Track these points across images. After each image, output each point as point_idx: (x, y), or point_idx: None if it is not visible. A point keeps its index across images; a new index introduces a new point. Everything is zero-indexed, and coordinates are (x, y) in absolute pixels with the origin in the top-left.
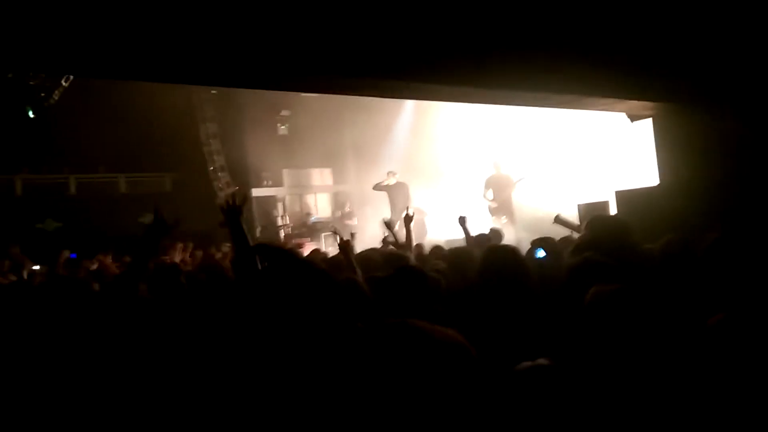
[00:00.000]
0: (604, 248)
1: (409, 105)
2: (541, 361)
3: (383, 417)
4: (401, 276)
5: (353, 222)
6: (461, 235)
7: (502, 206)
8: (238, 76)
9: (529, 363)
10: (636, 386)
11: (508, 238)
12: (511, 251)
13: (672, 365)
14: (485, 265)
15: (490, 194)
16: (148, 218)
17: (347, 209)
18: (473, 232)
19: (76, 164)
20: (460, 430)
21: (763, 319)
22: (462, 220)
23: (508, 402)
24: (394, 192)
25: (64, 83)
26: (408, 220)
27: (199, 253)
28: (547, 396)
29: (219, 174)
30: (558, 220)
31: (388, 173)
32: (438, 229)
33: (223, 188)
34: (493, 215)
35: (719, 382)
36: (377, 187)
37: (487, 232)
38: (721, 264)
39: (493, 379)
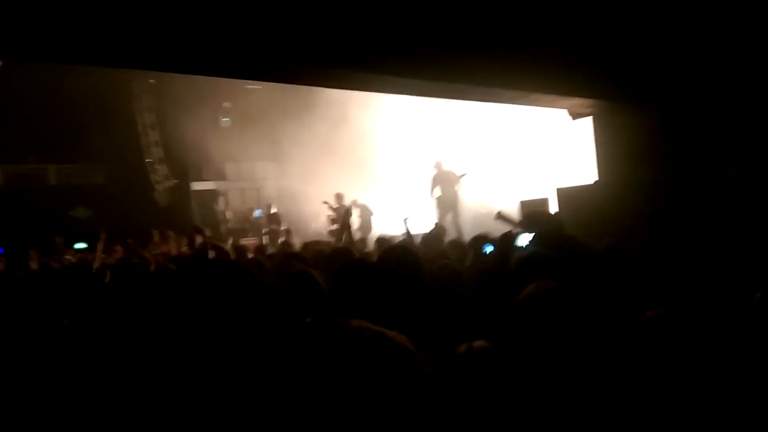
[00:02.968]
0: (546, 243)
1: (355, 99)
2: (479, 343)
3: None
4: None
5: (281, 227)
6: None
7: (449, 202)
8: (182, 60)
9: (465, 346)
10: (565, 378)
11: (453, 233)
12: (403, 248)
13: (603, 359)
14: (381, 261)
15: (437, 191)
16: (78, 212)
17: (273, 210)
18: (420, 230)
19: (3, 154)
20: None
21: (695, 314)
22: (405, 221)
23: (451, 386)
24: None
25: None
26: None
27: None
28: (491, 376)
29: (156, 166)
30: (500, 216)
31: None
32: (383, 227)
33: (161, 181)
34: (439, 211)
35: (653, 378)
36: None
37: (431, 228)
38: (648, 262)
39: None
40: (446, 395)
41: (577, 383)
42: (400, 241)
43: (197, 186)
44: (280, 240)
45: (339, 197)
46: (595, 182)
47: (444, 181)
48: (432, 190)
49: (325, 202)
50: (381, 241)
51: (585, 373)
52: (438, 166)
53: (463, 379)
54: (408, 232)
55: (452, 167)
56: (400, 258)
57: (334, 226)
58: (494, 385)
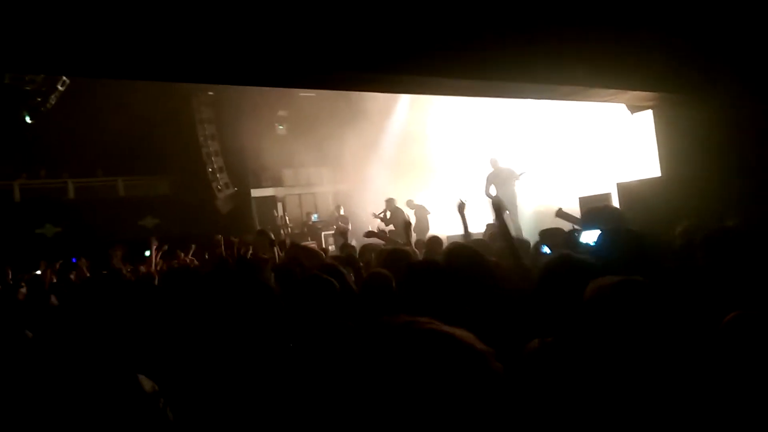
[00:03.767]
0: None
1: (405, 102)
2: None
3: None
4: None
5: (348, 226)
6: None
7: (505, 200)
8: (237, 73)
9: (537, 341)
10: (638, 383)
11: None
12: (470, 248)
13: (679, 362)
14: (448, 260)
15: (492, 190)
16: (147, 221)
17: (342, 212)
18: (475, 226)
19: (74, 168)
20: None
21: None
22: (461, 207)
23: (519, 387)
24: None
25: (60, 87)
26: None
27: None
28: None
29: (218, 175)
30: (560, 213)
31: (386, 201)
32: (440, 227)
33: (222, 189)
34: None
35: (731, 383)
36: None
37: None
38: (732, 256)
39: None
40: (517, 392)
41: (651, 381)
42: (467, 242)
43: (256, 193)
44: (342, 242)
45: (389, 202)
46: (658, 177)
47: (500, 178)
48: (488, 188)
49: (375, 215)
50: (433, 240)
51: (659, 371)
52: (494, 163)
53: (536, 373)
54: (465, 222)
55: (509, 165)
56: (468, 259)
57: (389, 227)
58: (564, 379)
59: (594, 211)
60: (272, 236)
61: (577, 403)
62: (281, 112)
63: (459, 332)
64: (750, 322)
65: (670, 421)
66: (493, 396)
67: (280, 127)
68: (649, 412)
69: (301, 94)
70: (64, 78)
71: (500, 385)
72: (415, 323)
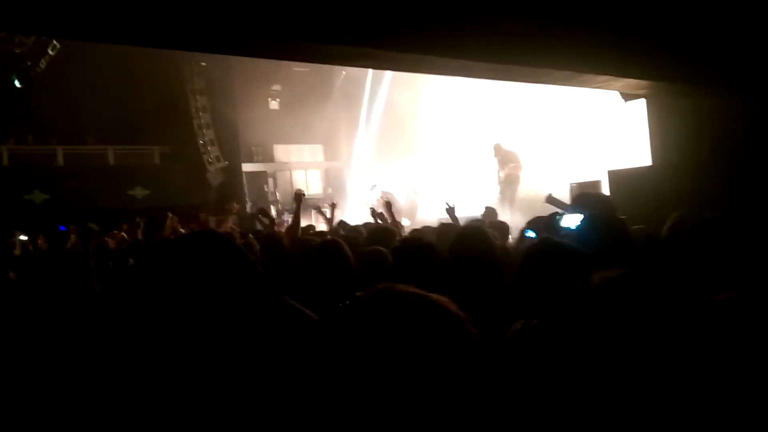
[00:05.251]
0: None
1: (398, 81)
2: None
3: (374, 391)
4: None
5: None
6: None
7: (509, 184)
8: (227, 41)
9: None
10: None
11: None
12: (478, 231)
13: (682, 347)
14: (455, 242)
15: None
16: (137, 191)
17: (329, 191)
18: (465, 214)
19: (64, 135)
20: (459, 399)
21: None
22: (450, 211)
23: (501, 366)
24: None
25: (50, 52)
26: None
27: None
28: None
29: (209, 148)
30: (550, 199)
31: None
32: (429, 210)
33: (213, 162)
34: (501, 194)
35: (729, 367)
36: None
37: (480, 213)
38: (717, 244)
39: (484, 346)
40: (498, 371)
41: (648, 364)
42: (472, 225)
43: (248, 167)
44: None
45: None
46: (649, 165)
47: (505, 162)
48: (499, 172)
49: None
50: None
51: (656, 355)
52: (498, 148)
53: (517, 355)
54: (456, 222)
55: (513, 148)
56: (473, 242)
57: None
58: (548, 362)
59: (583, 196)
60: (273, 215)
61: (562, 385)
62: (275, 87)
63: (435, 296)
64: (739, 303)
65: (661, 405)
66: (466, 357)
67: (273, 101)
68: (640, 392)
69: (295, 68)
70: (55, 42)
71: (475, 347)
72: (394, 288)
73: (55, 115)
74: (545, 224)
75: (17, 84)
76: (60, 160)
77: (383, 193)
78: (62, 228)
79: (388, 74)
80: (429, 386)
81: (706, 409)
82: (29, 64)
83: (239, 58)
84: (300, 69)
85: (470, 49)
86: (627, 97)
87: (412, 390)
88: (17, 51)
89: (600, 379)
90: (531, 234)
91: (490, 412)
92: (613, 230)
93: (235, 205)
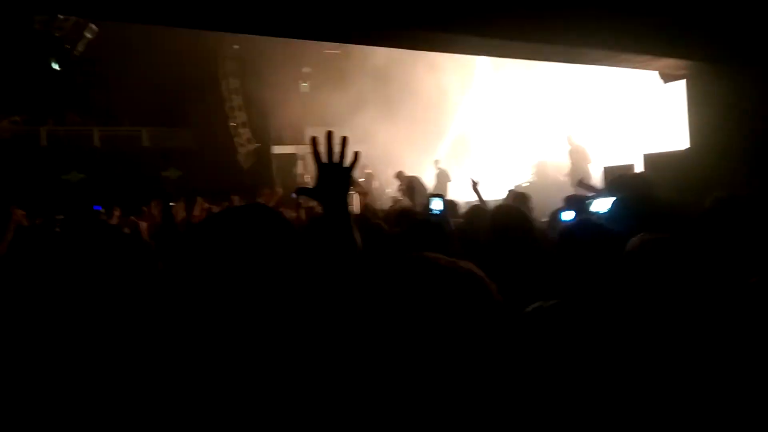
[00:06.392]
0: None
1: (432, 64)
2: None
3: (399, 351)
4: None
5: (375, 183)
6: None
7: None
8: (264, 22)
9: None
10: (667, 338)
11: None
12: (516, 210)
13: (710, 318)
14: (494, 220)
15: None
16: (171, 172)
17: (367, 170)
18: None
19: (100, 117)
20: (477, 364)
21: None
22: (475, 185)
23: (521, 341)
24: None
25: (88, 35)
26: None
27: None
28: (555, 334)
29: (240, 130)
30: (580, 183)
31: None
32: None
33: (244, 144)
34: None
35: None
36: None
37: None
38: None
39: (510, 316)
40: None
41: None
42: (512, 204)
43: (277, 150)
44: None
45: (399, 175)
46: (687, 149)
47: (576, 155)
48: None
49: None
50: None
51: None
52: (570, 140)
53: (529, 336)
54: (480, 198)
55: (583, 142)
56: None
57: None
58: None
59: (618, 179)
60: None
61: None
62: (305, 69)
63: (462, 263)
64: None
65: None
66: (491, 320)
67: (304, 84)
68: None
69: (326, 50)
70: (93, 26)
71: (499, 312)
72: (423, 255)
73: (92, 98)
74: (576, 207)
75: (56, 67)
76: (96, 141)
77: (405, 177)
78: (97, 207)
79: (425, 58)
80: (455, 341)
81: (729, 392)
82: (68, 47)
83: (271, 40)
84: (331, 51)
85: (506, 28)
86: (667, 78)
87: (438, 341)
88: (57, 34)
89: (620, 356)
90: (568, 214)
91: (506, 374)
92: (645, 211)
93: (278, 190)
